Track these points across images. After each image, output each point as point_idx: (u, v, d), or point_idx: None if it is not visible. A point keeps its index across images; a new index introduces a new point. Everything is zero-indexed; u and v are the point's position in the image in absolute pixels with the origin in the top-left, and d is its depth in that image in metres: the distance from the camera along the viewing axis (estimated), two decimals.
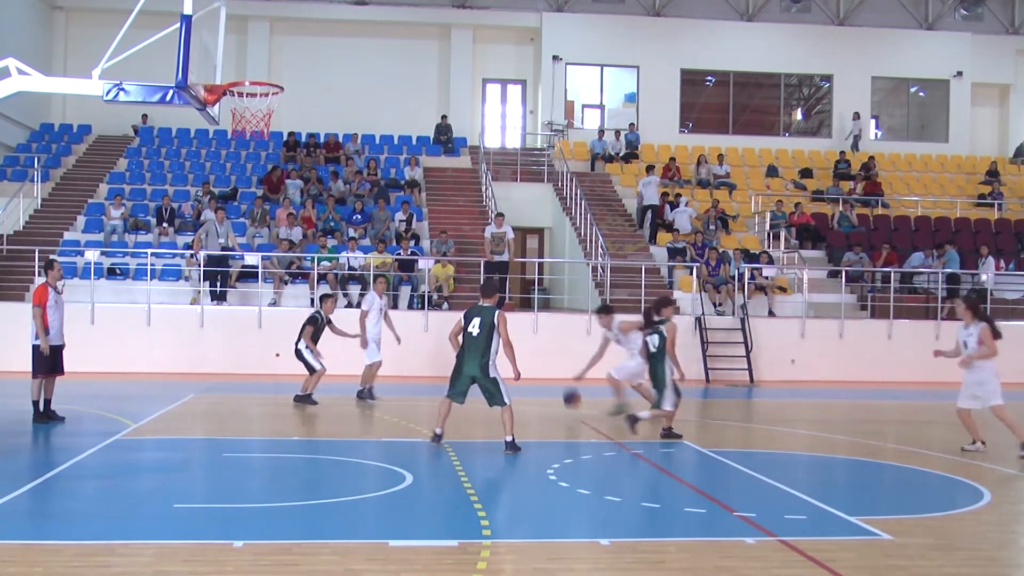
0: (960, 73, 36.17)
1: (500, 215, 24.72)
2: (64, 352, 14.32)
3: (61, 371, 14.22)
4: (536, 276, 28.78)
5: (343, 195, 27.77)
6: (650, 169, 29.05)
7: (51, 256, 15.45)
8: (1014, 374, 23.44)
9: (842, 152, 33.37)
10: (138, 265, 23.90)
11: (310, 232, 25.36)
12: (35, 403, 13.95)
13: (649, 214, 27.94)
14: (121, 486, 10.08)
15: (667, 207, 28.03)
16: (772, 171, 32.55)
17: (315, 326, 16.67)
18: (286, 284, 23.47)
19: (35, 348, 13.89)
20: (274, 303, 22.84)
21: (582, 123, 35.45)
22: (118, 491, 9.82)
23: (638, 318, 14.16)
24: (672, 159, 31.54)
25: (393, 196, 27.94)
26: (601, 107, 35.89)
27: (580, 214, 27.28)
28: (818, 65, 36.29)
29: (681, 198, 28.66)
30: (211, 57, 12.37)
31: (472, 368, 11.93)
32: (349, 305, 22.90)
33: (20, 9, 31.40)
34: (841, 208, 29.58)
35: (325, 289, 23.17)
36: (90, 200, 27.62)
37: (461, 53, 34.90)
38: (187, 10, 11.33)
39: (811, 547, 7.74)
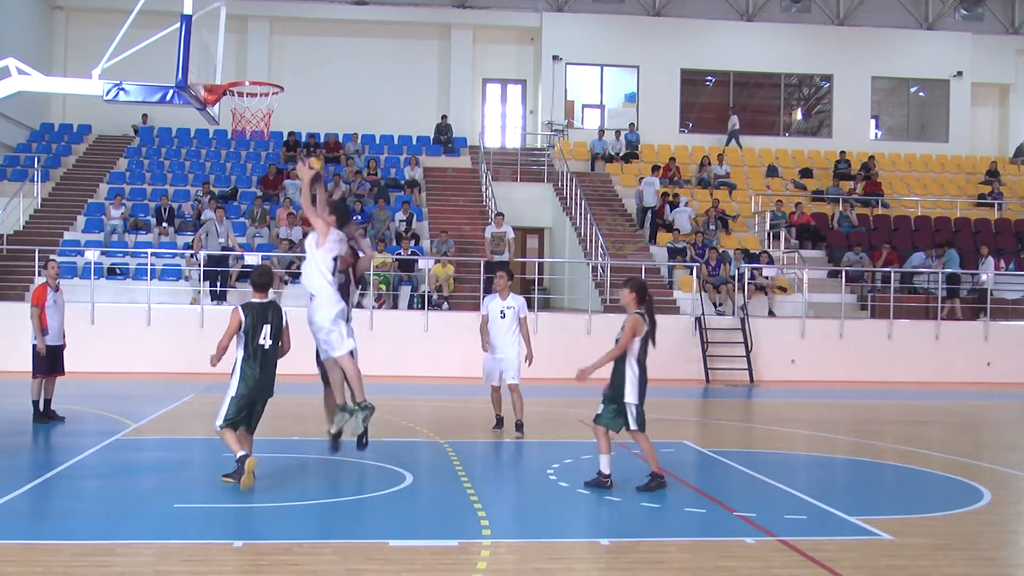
0: (960, 73, 36.18)
1: (500, 215, 24.73)
2: (64, 352, 14.24)
3: (61, 371, 14.16)
4: (536, 276, 28.73)
5: (343, 195, 27.75)
6: (655, 170, 28.97)
7: (49, 256, 15.38)
8: (1015, 374, 23.60)
9: (842, 152, 33.38)
10: (138, 265, 23.90)
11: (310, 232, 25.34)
12: (35, 403, 13.88)
13: (649, 214, 27.93)
14: (121, 486, 10.07)
15: (667, 207, 28.01)
16: (772, 171, 32.55)
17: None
18: (286, 284, 23.45)
19: (34, 348, 13.84)
20: (275, 302, 22.82)
21: (582, 123, 35.45)
22: (118, 491, 9.82)
23: None
24: (672, 159, 31.56)
25: (393, 196, 27.96)
26: (601, 107, 35.90)
27: (580, 214, 27.28)
28: (818, 65, 36.29)
29: (680, 198, 28.65)
30: (211, 57, 12.37)
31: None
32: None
33: (20, 9, 31.40)
34: (841, 208, 29.59)
35: None
36: (90, 200, 27.62)
37: (461, 53, 34.90)
38: (187, 10, 11.33)
39: (811, 547, 7.75)
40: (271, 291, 9.83)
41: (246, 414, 9.77)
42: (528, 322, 13.70)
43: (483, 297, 14.03)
